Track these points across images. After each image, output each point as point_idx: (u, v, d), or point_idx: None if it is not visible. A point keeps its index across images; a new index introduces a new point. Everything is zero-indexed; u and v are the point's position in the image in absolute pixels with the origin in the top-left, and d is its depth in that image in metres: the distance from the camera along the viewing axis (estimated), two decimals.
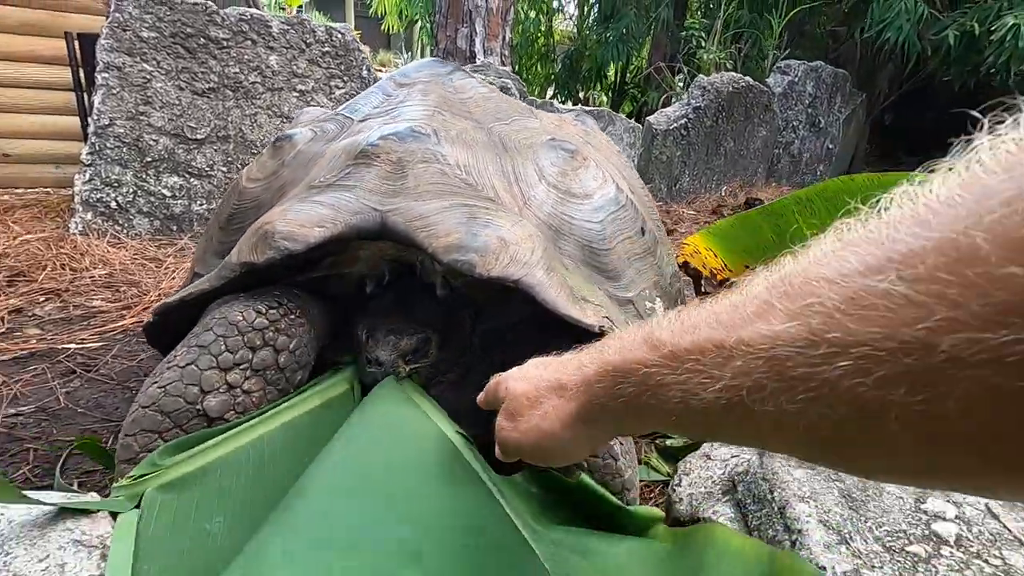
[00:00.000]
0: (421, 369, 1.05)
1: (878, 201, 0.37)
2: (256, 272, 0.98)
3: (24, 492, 0.83)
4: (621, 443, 1.02)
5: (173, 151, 2.81)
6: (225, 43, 2.85)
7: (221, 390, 0.93)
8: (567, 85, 11.14)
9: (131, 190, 2.74)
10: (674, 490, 1.14)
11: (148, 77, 2.69)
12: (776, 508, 0.87)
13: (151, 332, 1.15)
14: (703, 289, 1.64)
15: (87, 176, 2.64)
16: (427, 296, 1.12)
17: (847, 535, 0.78)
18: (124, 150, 2.69)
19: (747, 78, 4.91)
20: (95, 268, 2.38)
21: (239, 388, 0.94)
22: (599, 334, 1.02)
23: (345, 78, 3.26)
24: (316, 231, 0.94)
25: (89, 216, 2.66)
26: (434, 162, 1.09)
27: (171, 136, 2.79)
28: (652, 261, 1.38)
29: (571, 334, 1.07)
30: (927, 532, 0.78)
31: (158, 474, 0.83)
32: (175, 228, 2.86)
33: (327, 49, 3.18)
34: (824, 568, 0.72)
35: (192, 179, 2.87)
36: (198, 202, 2.90)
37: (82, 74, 2.87)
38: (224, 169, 2.94)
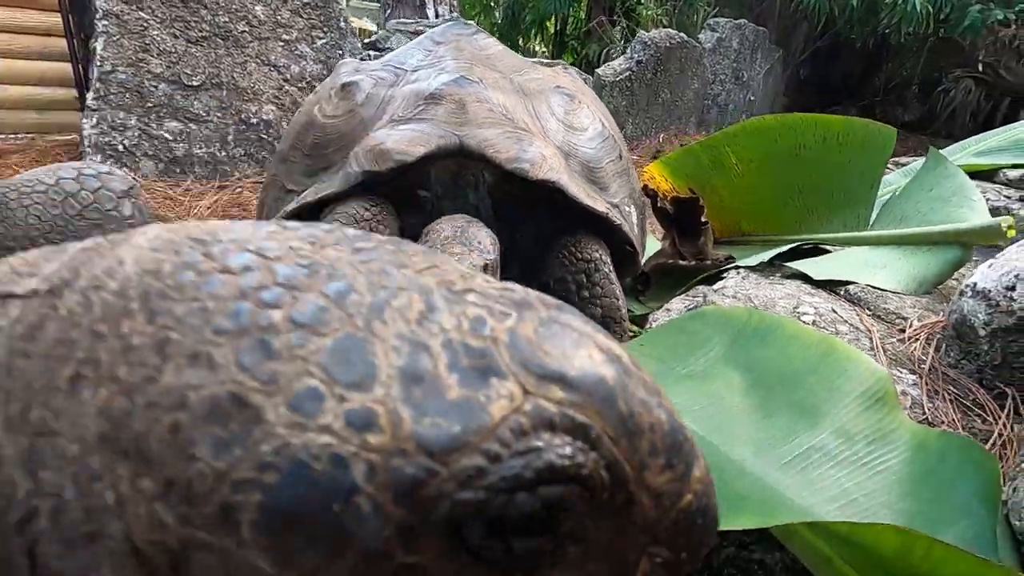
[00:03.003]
0: None
1: None
2: (368, 181, 1.40)
3: None
4: (619, 289, 1.54)
5: (172, 97, 2.99)
6: None
7: None
8: (508, 36, 11.28)
9: (136, 134, 2.92)
10: (646, 330, 1.68)
11: (145, 25, 2.83)
12: None
13: None
14: (659, 205, 2.17)
15: (94, 120, 2.79)
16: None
17: None
18: (127, 96, 2.85)
19: (682, 34, 5.44)
20: None
21: None
22: (604, 218, 1.52)
23: (325, 29, 3.48)
24: (419, 148, 1.37)
25: (99, 159, 2.83)
26: (484, 102, 1.52)
27: (169, 83, 2.96)
28: (627, 179, 1.88)
29: (579, 222, 1.55)
30: (796, 318, 1.36)
31: None
32: (178, 170, 3.07)
33: (307, 0, 3.37)
34: None
35: (191, 124, 3.07)
36: (197, 146, 3.11)
37: (71, 20, 2.93)
38: (219, 115, 3.15)
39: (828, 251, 1.78)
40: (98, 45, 2.73)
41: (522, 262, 1.70)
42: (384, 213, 1.44)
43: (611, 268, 1.54)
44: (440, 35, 1.80)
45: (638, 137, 5.45)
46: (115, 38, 2.77)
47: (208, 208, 2.71)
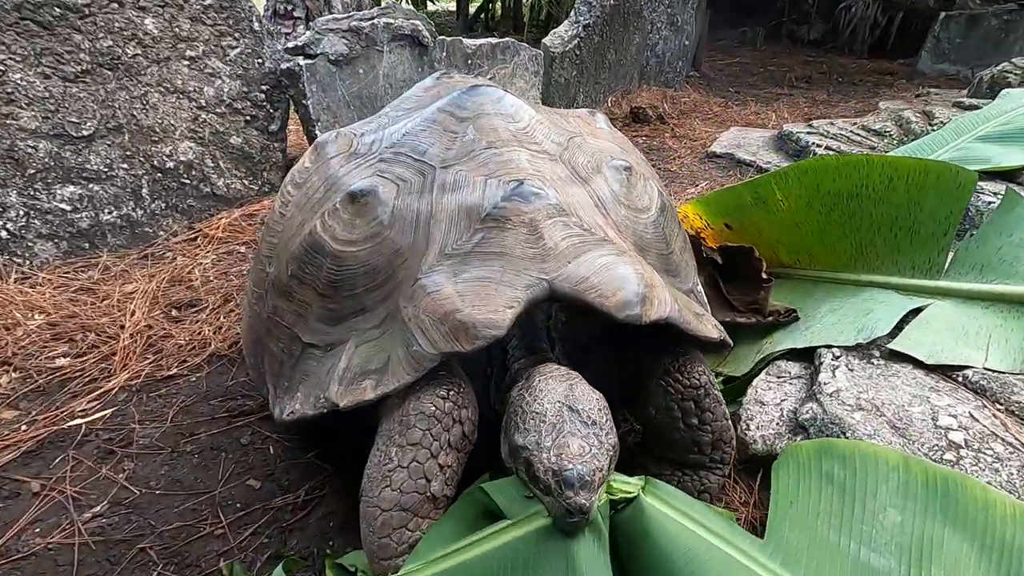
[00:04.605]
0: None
1: None
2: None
3: None
4: (727, 416, 1.33)
5: (59, 155, 2.32)
6: (87, 10, 2.30)
7: (437, 474, 1.05)
8: None
9: (20, 213, 2.26)
10: (745, 434, 1.49)
11: (2, 68, 2.12)
12: None
13: (321, 417, 1.16)
14: (704, 256, 1.95)
15: None
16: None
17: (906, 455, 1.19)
18: None
19: None
20: (29, 320, 2.03)
21: (447, 466, 1.07)
22: (720, 344, 1.28)
23: (236, 35, 2.82)
24: (508, 313, 1.04)
25: None
26: (556, 216, 1.19)
27: (51, 138, 2.29)
28: (688, 247, 1.63)
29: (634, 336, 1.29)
30: (948, 441, 1.22)
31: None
32: (87, 246, 2.45)
33: (209, 2, 2.70)
34: None
35: (92, 185, 2.42)
36: (106, 211, 2.48)
37: None
38: (125, 166, 2.50)
39: (902, 298, 1.65)
40: None
41: (595, 375, 1.44)
42: (461, 392, 1.12)
43: (717, 388, 1.33)
44: (459, 107, 1.40)
45: (589, 106, 5.11)
46: None
47: (145, 296, 2.17)
